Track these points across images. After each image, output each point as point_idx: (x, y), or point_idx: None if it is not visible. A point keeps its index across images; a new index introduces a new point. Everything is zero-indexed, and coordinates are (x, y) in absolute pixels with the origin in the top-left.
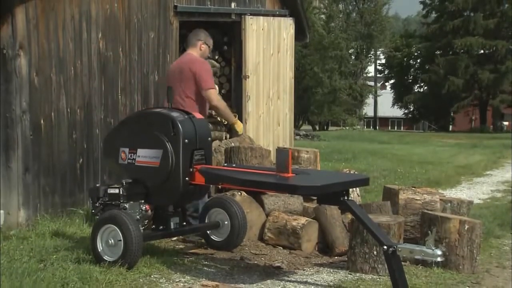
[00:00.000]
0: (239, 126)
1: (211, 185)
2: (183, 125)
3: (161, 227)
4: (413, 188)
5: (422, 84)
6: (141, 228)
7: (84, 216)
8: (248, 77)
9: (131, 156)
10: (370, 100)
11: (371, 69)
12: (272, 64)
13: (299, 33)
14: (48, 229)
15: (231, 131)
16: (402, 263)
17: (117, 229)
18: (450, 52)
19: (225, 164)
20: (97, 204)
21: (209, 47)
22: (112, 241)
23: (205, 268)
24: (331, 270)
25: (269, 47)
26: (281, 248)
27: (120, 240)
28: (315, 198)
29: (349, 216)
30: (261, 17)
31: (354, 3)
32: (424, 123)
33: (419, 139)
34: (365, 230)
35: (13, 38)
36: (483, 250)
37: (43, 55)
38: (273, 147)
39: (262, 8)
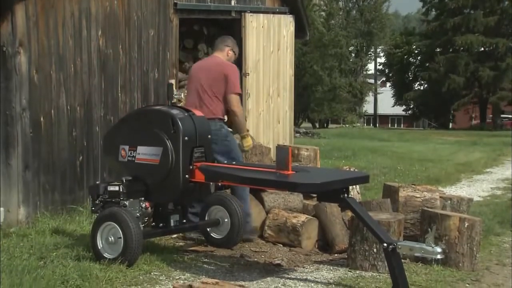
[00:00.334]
0: (247, 142)
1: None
2: (183, 123)
3: (161, 224)
4: (413, 186)
5: (422, 82)
6: (141, 226)
7: (84, 213)
8: (248, 75)
9: (131, 153)
10: (370, 98)
11: (371, 67)
12: (272, 62)
13: (299, 31)
14: (48, 226)
15: (233, 126)
16: (402, 260)
17: (117, 226)
18: (450, 50)
19: (225, 162)
20: (97, 202)
21: (235, 54)
22: (112, 238)
23: (205, 266)
24: (331, 268)
25: (269, 44)
26: (281, 245)
27: (120, 238)
28: (315, 195)
29: (349, 213)
30: (261, 15)
31: (354, 0)
32: (424, 121)
33: (419, 136)
34: (365, 227)
35: (13, 36)
36: (483, 248)
37: (43, 52)
38: (273, 145)
39: (262, 6)
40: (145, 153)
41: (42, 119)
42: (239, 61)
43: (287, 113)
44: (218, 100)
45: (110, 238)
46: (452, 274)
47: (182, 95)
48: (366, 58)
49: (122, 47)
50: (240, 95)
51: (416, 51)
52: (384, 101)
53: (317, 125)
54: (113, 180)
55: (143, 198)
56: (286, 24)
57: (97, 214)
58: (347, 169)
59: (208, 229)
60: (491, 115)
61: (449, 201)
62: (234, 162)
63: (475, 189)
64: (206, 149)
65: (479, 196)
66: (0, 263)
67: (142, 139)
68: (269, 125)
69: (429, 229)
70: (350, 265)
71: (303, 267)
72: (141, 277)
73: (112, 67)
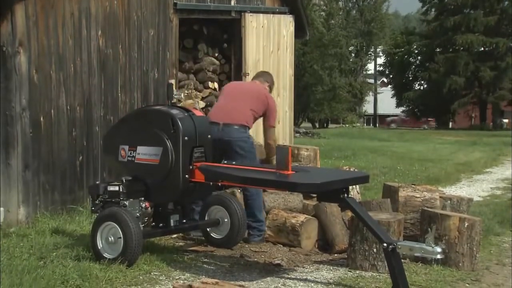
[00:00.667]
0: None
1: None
2: (183, 123)
3: (161, 224)
4: (413, 186)
5: (422, 82)
6: (141, 226)
7: (84, 213)
8: (248, 75)
9: (131, 153)
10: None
11: (371, 67)
12: (272, 62)
13: (299, 31)
14: (48, 226)
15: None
16: (402, 260)
17: (117, 226)
18: (450, 50)
19: (225, 162)
20: (97, 202)
21: (270, 90)
22: (112, 238)
23: (205, 266)
24: (331, 268)
25: (269, 44)
26: (281, 245)
27: (120, 238)
28: (315, 195)
29: (349, 213)
30: (261, 15)
31: (354, 0)
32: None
33: (419, 136)
34: (365, 227)
35: (12, 36)
36: (483, 248)
37: (43, 52)
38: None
39: (262, 6)
40: (145, 153)
41: (42, 119)
42: (239, 61)
43: (287, 113)
44: (252, 115)
45: (110, 238)
46: (452, 274)
47: (182, 95)
48: (366, 58)
49: (122, 47)
50: (275, 127)
51: (416, 51)
52: (384, 101)
53: (317, 125)
54: (113, 180)
55: (143, 198)
56: (286, 24)
57: (97, 214)
58: (347, 169)
59: (208, 229)
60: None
61: (449, 201)
62: (234, 162)
63: (475, 189)
64: (206, 149)
65: (479, 196)
66: (0, 263)
67: (142, 139)
68: None
69: (429, 229)
70: (350, 265)
71: (303, 267)
72: (141, 277)
73: (112, 67)
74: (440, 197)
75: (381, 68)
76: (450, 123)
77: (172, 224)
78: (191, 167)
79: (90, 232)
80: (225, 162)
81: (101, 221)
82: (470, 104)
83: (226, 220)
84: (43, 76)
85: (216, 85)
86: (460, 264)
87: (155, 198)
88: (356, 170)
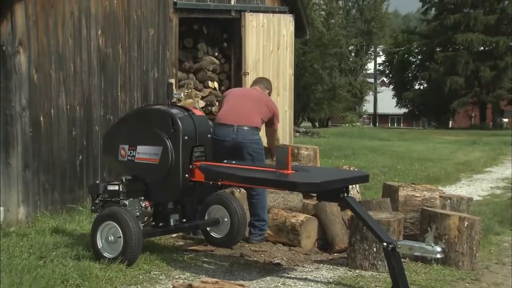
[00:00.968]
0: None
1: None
2: (183, 122)
3: (160, 224)
4: (412, 185)
5: (422, 82)
6: (140, 225)
7: (84, 213)
8: (248, 74)
9: (130, 153)
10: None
11: (370, 66)
12: (272, 61)
13: (299, 30)
14: (47, 226)
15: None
16: (402, 259)
17: (117, 226)
18: (450, 49)
19: (225, 161)
20: (96, 201)
21: (269, 95)
22: (112, 237)
23: (205, 265)
24: (331, 267)
25: (269, 44)
26: (281, 245)
27: (120, 237)
28: (314, 195)
29: (349, 213)
30: (261, 14)
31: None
32: (424, 120)
33: (418, 136)
34: (365, 227)
35: (12, 35)
36: (483, 247)
37: (43, 52)
38: None
39: (262, 5)
40: (144, 153)
41: (41, 118)
42: (239, 60)
43: (287, 112)
44: (260, 119)
45: (110, 238)
46: (452, 273)
47: (182, 95)
48: (366, 58)
49: (121, 47)
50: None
51: (416, 50)
52: (384, 100)
53: (317, 124)
54: (113, 179)
55: (142, 198)
56: (286, 23)
57: (97, 214)
58: (347, 168)
59: (208, 229)
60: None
61: (448, 201)
62: (234, 162)
63: (474, 188)
64: (206, 149)
65: (479, 196)
66: (0, 262)
67: (142, 138)
68: None
69: (429, 229)
70: (349, 265)
71: (303, 267)
72: (141, 277)
73: (112, 66)
74: (440, 196)
75: (381, 67)
76: (450, 123)
77: (172, 223)
78: (191, 167)
79: (90, 232)
80: (225, 161)
81: (101, 221)
82: (470, 104)
83: (226, 219)
84: (43, 76)
85: (216, 84)
86: (460, 264)
87: (155, 197)
88: (356, 169)
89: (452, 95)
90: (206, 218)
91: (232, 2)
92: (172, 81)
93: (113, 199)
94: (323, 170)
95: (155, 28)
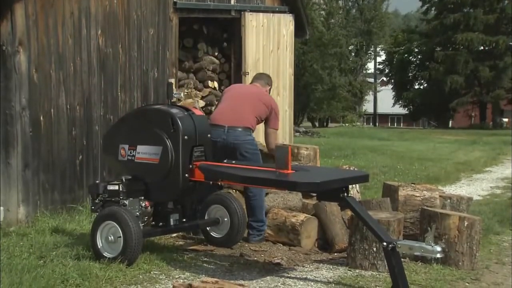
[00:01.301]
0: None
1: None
2: (183, 122)
3: (160, 223)
4: (412, 185)
5: (422, 81)
6: (140, 225)
7: (84, 212)
8: (248, 74)
9: (130, 152)
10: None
11: (370, 66)
12: (272, 61)
13: (299, 30)
14: (47, 225)
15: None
16: (402, 259)
17: (117, 225)
18: (450, 49)
19: (225, 161)
20: (96, 201)
21: (269, 92)
22: (112, 237)
23: (205, 265)
24: (331, 267)
25: (269, 43)
26: (281, 244)
27: (120, 237)
28: (314, 194)
29: (349, 212)
30: (261, 14)
31: None
32: (423, 120)
33: (418, 135)
34: (365, 226)
35: (12, 35)
36: (483, 247)
37: (43, 51)
38: None
39: (261, 5)
40: (144, 152)
41: (41, 118)
42: (238, 60)
43: (286, 112)
44: (255, 118)
45: (110, 237)
46: (452, 273)
47: (182, 94)
48: (366, 57)
49: (121, 46)
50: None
51: (416, 50)
52: (384, 100)
53: (316, 124)
54: (113, 179)
55: (142, 197)
56: (285, 23)
57: (97, 213)
58: (347, 168)
59: (208, 228)
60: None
61: (448, 200)
62: (234, 162)
63: (474, 188)
64: (205, 148)
65: (479, 195)
66: (0, 262)
67: (142, 138)
68: None
69: (429, 228)
70: (349, 264)
71: (303, 266)
72: (141, 276)
73: (112, 66)
74: (440, 196)
75: (381, 66)
76: (450, 122)
77: (172, 223)
78: (191, 166)
79: (90, 231)
80: (225, 161)
81: (101, 220)
82: (470, 103)
83: (226, 219)
84: (43, 76)
85: (216, 84)
86: (460, 263)
87: (155, 197)
88: (356, 169)
89: (452, 95)
90: (206, 217)
91: (232, 2)
92: (172, 81)
93: (113, 199)
94: (323, 170)
95: (155, 28)
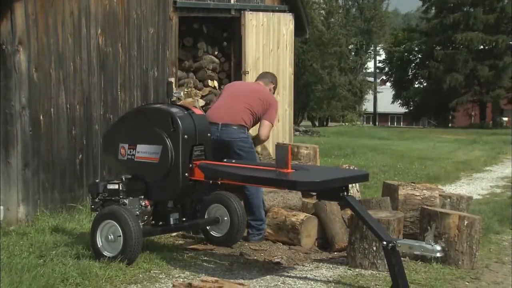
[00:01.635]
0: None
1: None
2: (183, 121)
3: (160, 222)
4: (412, 184)
5: (422, 80)
6: (140, 224)
7: (83, 212)
8: (248, 73)
9: (130, 152)
10: (369, 96)
11: (370, 65)
12: (272, 60)
13: (299, 29)
14: (47, 224)
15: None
16: (402, 258)
17: (117, 224)
18: (450, 48)
19: (225, 160)
20: (96, 200)
21: (274, 91)
22: (112, 236)
23: (205, 264)
24: (331, 266)
25: (269, 42)
26: (281, 243)
27: (120, 236)
28: (314, 193)
29: (349, 212)
30: (261, 13)
31: None
32: (423, 119)
33: (418, 135)
34: (365, 225)
35: (12, 34)
36: (483, 246)
37: (43, 50)
38: (273, 143)
39: (261, 4)
40: (144, 152)
41: (41, 117)
42: (238, 59)
43: (286, 111)
44: (252, 116)
45: (109, 236)
46: (452, 272)
47: (182, 94)
48: (365, 57)
49: (121, 46)
50: (272, 126)
51: (416, 49)
52: (384, 99)
53: (316, 123)
54: (113, 178)
55: (142, 197)
56: (285, 22)
57: (97, 213)
58: (347, 167)
59: (207, 227)
60: None
61: (448, 199)
62: (233, 161)
63: (474, 187)
64: (205, 147)
65: (479, 194)
66: (0, 261)
67: (142, 137)
68: None
69: (429, 227)
70: (349, 263)
71: (303, 265)
72: (140, 276)
73: (112, 65)
74: (440, 195)
75: (381, 65)
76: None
77: (171, 222)
78: (190, 166)
79: (90, 231)
80: (225, 160)
81: (101, 220)
82: (470, 103)
83: (226, 218)
84: (42, 75)
85: (216, 83)
86: (459, 262)
87: (154, 196)
88: (355, 168)
89: (451, 93)
90: (206, 217)
91: (232, 1)
92: (172, 80)
93: (113, 198)
94: (323, 169)
95: (155, 27)
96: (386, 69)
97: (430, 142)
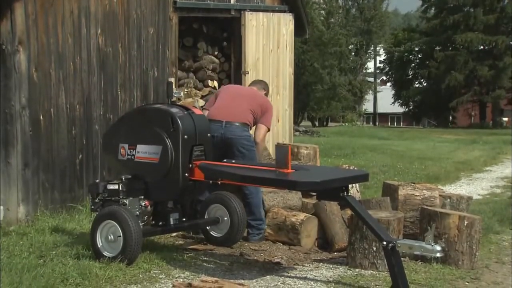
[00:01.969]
0: None
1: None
2: (183, 121)
3: (160, 223)
4: (412, 184)
5: (422, 80)
6: (140, 224)
7: (83, 212)
8: (248, 73)
9: (130, 152)
10: (369, 96)
11: (370, 65)
12: (272, 60)
13: (299, 29)
14: (47, 224)
15: None
16: (402, 258)
17: (117, 225)
18: (450, 48)
19: (225, 160)
20: (96, 200)
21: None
22: (112, 237)
23: (205, 264)
24: (331, 266)
25: (269, 43)
26: (281, 244)
27: (120, 236)
28: (314, 194)
29: (349, 212)
30: (261, 13)
31: None
32: (423, 119)
33: (418, 135)
34: (365, 226)
35: (12, 34)
36: (482, 246)
37: (42, 50)
38: (273, 143)
39: (261, 4)
40: (144, 152)
41: (41, 117)
42: (238, 59)
43: (286, 111)
44: (253, 117)
45: (109, 237)
46: (452, 272)
47: (182, 94)
48: (365, 57)
49: (121, 45)
50: (269, 130)
51: (416, 49)
52: (384, 99)
53: (316, 123)
54: (113, 178)
55: (142, 197)
56: (285, 22)
57: (97, 213)
58: (347, 167)
59: (207, 227)
60: None
61: (448, 200)
62: (233, 161)
63: (474, 187)
64: (205, 148)
65: (479, 195)
66: (0, 261)
67: (142, 137)
68: None
69: (429, 228)
70: (349, 264)
71: (303, 266)
72: (140, 276)
73: (112, 65)
74: (440, 195)
75: (381, 65)
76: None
77: (171, 222)
78: (190, 166)
79: (90, 231)
80: (225, 160)
81: (101, 220)
82: (470, 103)
83: (225, 218)
84: (42, 75)
85: (215, 83)
86: (459, 263)
87: (154, 196)
88: (355, 168)
89: (450, 93)
90: (205, 217)
91: (232, 1)
92: (172, 80)
93: (113, 198)
94: (323, 169)
95: (154, 27)
96: (387, 68)
97: (430, 142)
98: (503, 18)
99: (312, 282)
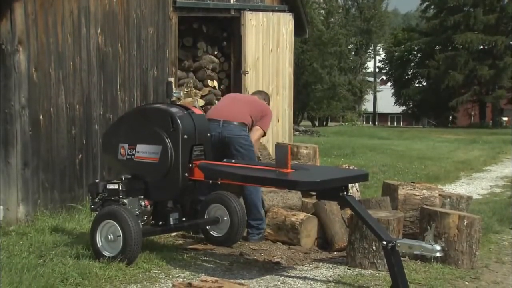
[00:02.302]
0: None
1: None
2: (182, 121)
3: (160, 222)
4: (412, 184)
5: (421, 80)
6: (140, 224)
7: (83, 212)
8: (248, 73)
9: (130, 151)
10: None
11: (370, 65)
12: (272, 60)
13: (299, 29)
14: (47, 224)
15: None
16: (401, 258)
17: (117, 224)
18: (450, 48)
19: (225, 160)
20: (96, 200)
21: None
22: (112, 236)
23: (205, 264)
24: (330, 266)
25: (269, 42)
26: (281, 243)
27: (120, 236)
28: (314, 193)
29: (349, 211)
30: (261, 13)
31: None
32: (423, 119)
33: (418, 134)
34: (365, 225)
35: (12, 34)
36: (482, 246)
37: (42, 50)
38: (273, 143)
39: (261, 4)
40: (144, 151)
41: (41, 117)
42: (238, 59)
43: (286, 111)
44: (251, 118)
45: (109, 236)
46: (451, 272)
47: (181, 93)
48: (365, 56)
49: (121, 45)
50: (265, 135)
51: (416, 48)
52: (384, 99)
53: (316, 123)
54: (113, 178)
55: (142, 196)
56: (285, 22)
57: (97, 212)
58: (347, 167)
59: (207, 227)
60: None
61: (448, 199)
62: (233, 161)
63: (474, 187)
64: (205, 147)
65: (478, 194)
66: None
67: (142, 137)
68: None
69: (429, 227)
70: (349, 263)
71: (303, 265)
72: (140, 275)
73: (111, 65)
74: (440, 195)
75: (381, 64)
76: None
77: (171, 222)
78: (190, 165)
79: (90, 230)
80: (225, 160)
81: (101, 219)
82: (469, 102)
83: (225, 218)
84: (42, 74)
85: (215, 83)
86: (459, 262)
87: (154, 196)
88: (355, 168)
89: (451, 93)
90: (205, 216)
91: (232, 1)
92: (172, 80)
93: (112, 198)
94: (322, 169)
95: (154, 27)
96: (387, 68)
97: (430, 142)
98: (503, 18)
99: (312, 282)
